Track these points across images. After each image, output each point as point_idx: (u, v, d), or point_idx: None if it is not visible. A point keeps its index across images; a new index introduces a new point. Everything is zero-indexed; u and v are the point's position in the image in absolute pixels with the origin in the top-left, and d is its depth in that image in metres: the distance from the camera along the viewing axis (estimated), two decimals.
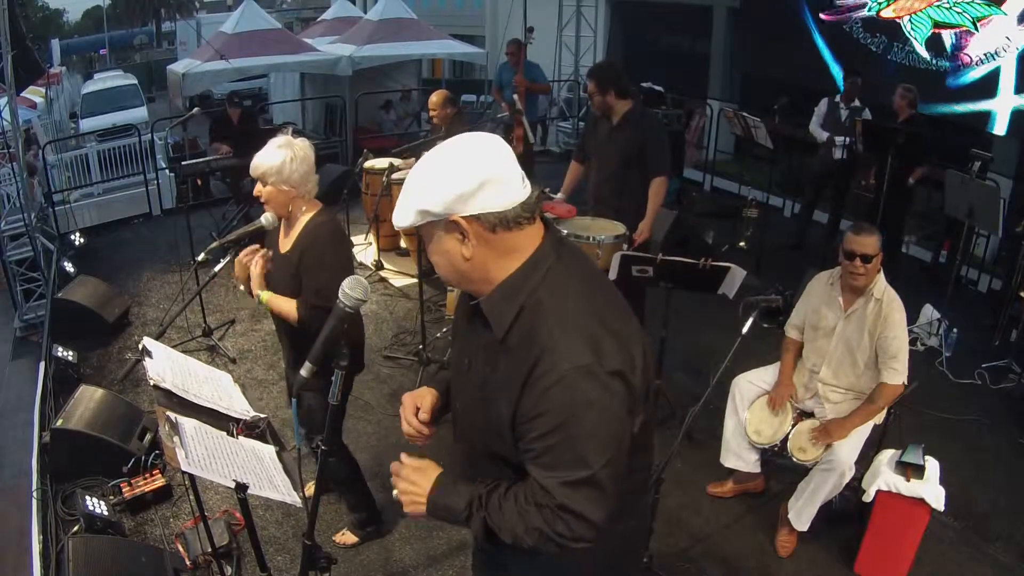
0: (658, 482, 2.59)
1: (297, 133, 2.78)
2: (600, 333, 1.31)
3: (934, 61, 7.21)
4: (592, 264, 1.51)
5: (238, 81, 11.10)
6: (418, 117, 12.57)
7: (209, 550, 2.76)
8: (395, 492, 1.52)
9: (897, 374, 2.96)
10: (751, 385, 3.32)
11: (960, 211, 5.00)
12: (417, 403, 1.65)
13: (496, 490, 1.42)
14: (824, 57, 8.38)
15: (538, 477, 1.34)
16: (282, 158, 2.56)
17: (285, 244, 2.73)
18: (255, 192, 2.65)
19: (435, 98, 5.43)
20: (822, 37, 8.40)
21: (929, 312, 4.97)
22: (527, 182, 1.37)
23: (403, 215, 1.37)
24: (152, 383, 2.28)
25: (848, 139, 6.11)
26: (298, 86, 12.92)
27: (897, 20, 7.46)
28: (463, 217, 1.32)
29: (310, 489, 2.64)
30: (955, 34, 6.97)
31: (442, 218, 1.33)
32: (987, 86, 6.81)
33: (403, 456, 1.54)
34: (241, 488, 2.01)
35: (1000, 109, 6.75)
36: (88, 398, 3.71)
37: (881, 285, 3.02)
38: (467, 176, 1.31)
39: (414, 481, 1.49)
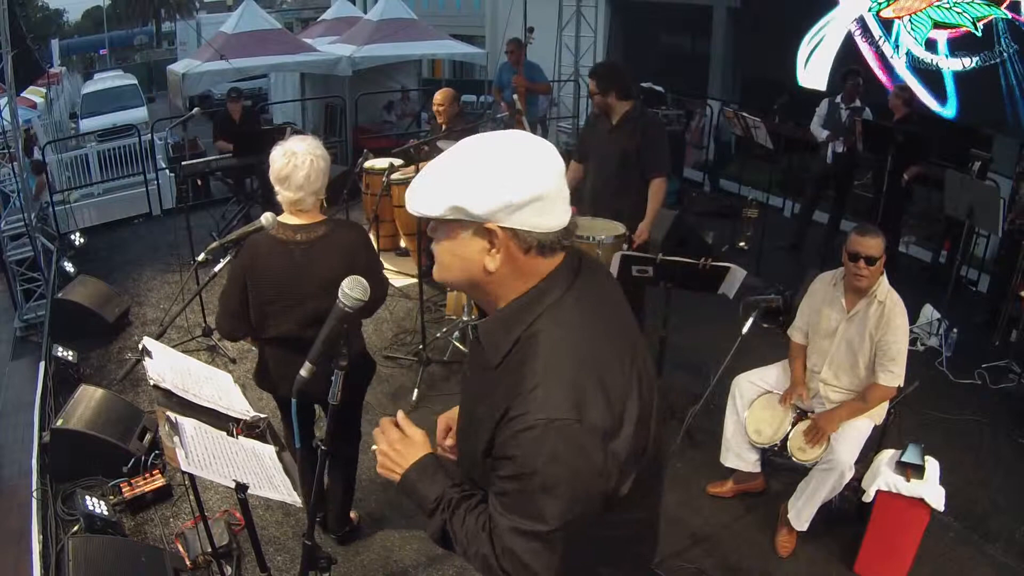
0: None
1: (297, 133, 2.78)
2: (589, 387, 1.19)
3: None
4: (609, 294, 1.36)
5: (238, 81, 11.09)
6: (418, 117, 12.55)
7: (209, 550, 2.76)
8: (373, 447, 1.47)
9: (893, 376, 2.96)
10: (751, 385, 3.31)
11: (960, 211, 5.00)
12: (450, 424, 1.56)
13: (468, 499, 1.33)
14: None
15: (494, 512, 1.24)
16: (273, 154, 2.56)
17: None
18: None
19: (440, 96, 5.42)
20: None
21: (929, 312, 4.97)
22: (569, 205, 1.24)
23: (428, 203, 1.19)
24: (152, 383, 2.28)
25: (842, 138, 6.10)
26: (298, 86, 12.90)
27: (897, 20, 7.46)
28: (502, 228, 1.18)
29: None
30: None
31: (477, 222, 1.18)
32: None
33: (400, 417, 1.47)
34: (241, 488, 2.01)
35: None
36: (88, 398, 3.71)
37: (884, 288, 3.01)
38: (521, 185, 1.16)
39: (398, 450, 1.42)
